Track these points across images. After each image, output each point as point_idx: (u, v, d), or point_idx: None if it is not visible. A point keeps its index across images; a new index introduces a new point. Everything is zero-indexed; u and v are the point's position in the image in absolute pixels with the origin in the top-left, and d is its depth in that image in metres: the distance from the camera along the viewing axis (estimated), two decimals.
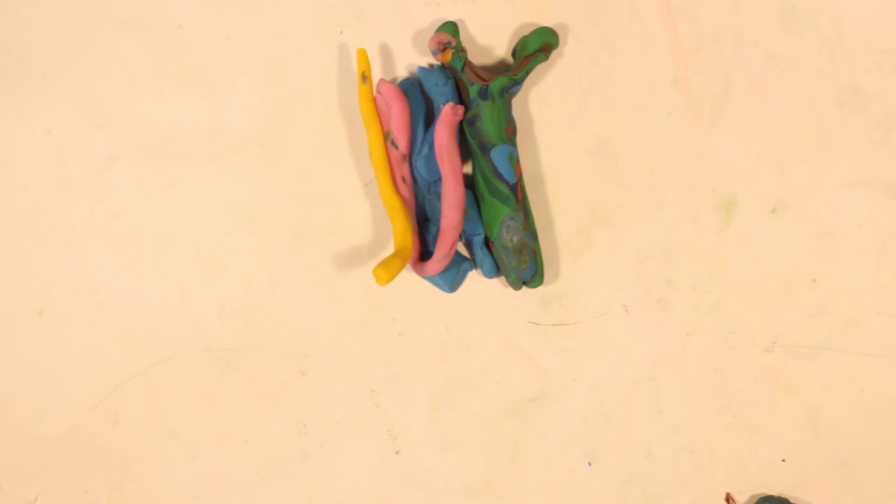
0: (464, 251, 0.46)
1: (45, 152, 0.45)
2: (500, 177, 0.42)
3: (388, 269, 0.38)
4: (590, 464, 0.46)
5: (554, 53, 0.46)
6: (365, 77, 0.42)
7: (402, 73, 0.45)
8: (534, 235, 0.44)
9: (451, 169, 0.42)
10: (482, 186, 0.43)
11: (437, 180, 0.43)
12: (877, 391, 0.46)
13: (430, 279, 0.44)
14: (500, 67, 0.46)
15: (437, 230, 0.43)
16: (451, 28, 0.43)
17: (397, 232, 0.42)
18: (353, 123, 0.45)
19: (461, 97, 0.44)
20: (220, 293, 0.45)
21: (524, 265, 0.43)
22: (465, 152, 0.45)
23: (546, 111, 0.46)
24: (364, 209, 0.46)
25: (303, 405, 0.46)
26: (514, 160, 0.43)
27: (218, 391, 0.45)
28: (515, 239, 0.42)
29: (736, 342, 0.46)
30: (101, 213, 0.45)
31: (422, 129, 0.44)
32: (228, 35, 0.46)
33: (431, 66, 0.45)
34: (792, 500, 0.46)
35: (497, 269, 0.44)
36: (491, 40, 0.46)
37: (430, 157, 0.43)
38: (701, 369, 0.46)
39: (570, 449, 0.46)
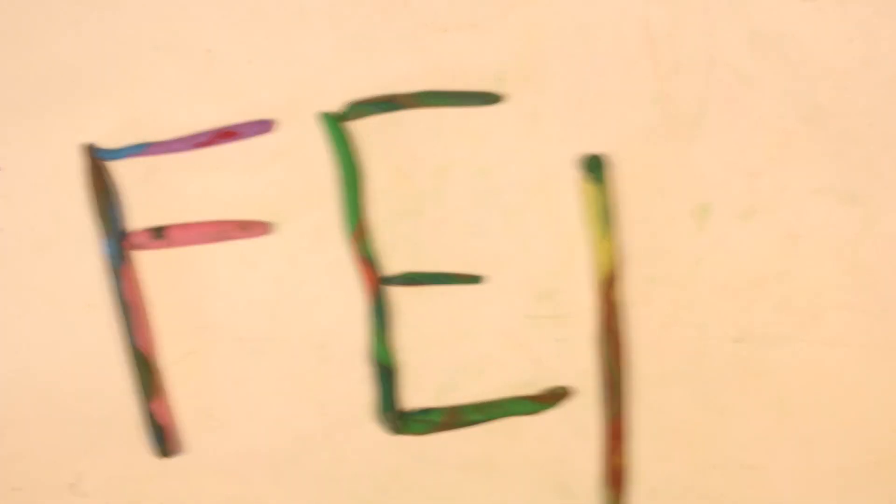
0: None
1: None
2: None
3: None
4: None
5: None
6: None
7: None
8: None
9: None
10: None
11: None
12: (836, 377, 0.51)
13: None
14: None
15: None
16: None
17: None
18: (365, 139, 0.51)
19: None
20: (251, 289, 0.51)
21: None
22: None
23: (543, 128, 0.51)
24: (375, 215, 0.51)
25: (323, 389, 0.51)
26: None
27: (248, 376, 0.51)
28: None
29: (710, 333, 0.51)
30: (144, 218, 0.51)
31: None
32: (252, 59, 0.51)
33: None
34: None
35: None
36: (493, 66, 0.51)
37: None
38: (679, 357, 0.51)
39: (562, 427, 0.51)
